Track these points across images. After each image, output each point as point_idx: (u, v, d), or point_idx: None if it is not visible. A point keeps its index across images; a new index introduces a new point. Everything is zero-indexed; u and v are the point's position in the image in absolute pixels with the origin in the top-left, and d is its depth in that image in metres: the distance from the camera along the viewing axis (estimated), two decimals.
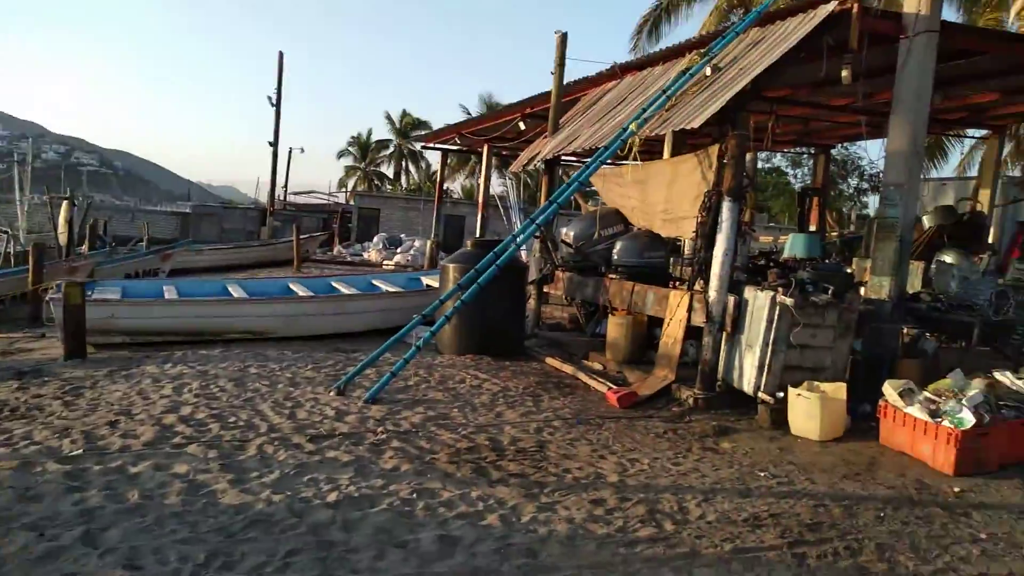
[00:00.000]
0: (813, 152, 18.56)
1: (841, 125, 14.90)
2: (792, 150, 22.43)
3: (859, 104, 11.58)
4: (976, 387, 6.01)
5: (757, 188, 30.52)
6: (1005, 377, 6.53)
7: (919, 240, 14.36)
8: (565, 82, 13.19)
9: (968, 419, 5.55)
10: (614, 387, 7.84)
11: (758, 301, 7.05)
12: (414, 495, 4.86)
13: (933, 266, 8.68)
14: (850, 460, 5.96)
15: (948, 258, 12.89)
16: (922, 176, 19.66)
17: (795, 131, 16.39)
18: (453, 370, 8.64)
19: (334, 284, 12.24)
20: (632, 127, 7.92)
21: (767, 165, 33.19)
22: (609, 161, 9.21)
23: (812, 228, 18.39)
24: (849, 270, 10.07)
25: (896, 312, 7.66)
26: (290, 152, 53.30)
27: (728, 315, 7.30)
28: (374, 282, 12.60)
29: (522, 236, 7.86)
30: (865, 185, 26.11)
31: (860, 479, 5.54)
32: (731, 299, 7.28)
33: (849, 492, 5.27)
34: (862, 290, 8.19)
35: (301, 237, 23.56)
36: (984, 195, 14.46)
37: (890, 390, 6.24)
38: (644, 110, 8.13)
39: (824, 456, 6.06)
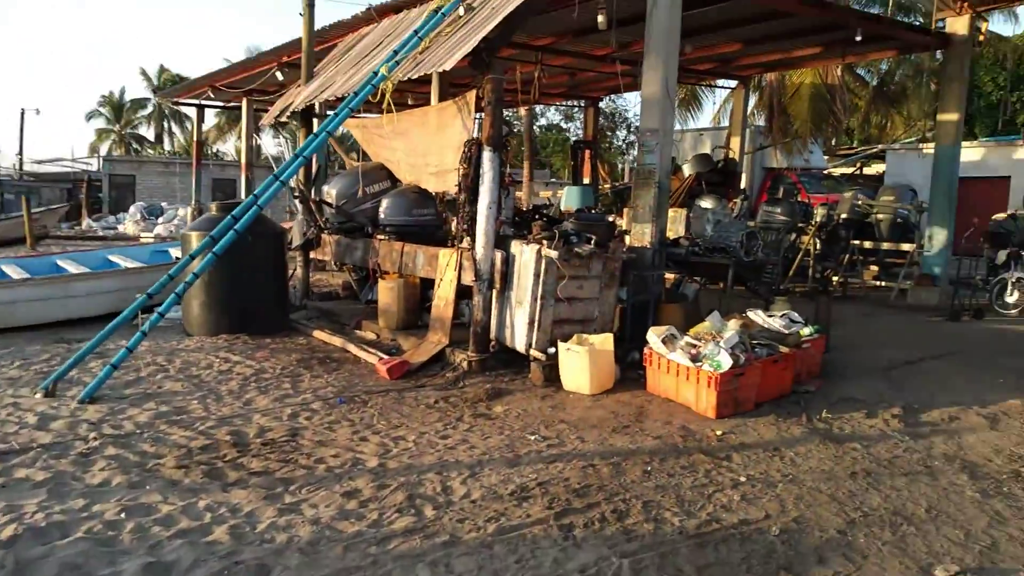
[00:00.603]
0: (583, 105, 18.93)
1: (606, 76, 15.17)
2: (563, 103, 22.84)
3: (617, 54, 11.72)
4: (732, 328, 6.11)
5: (539, 145, 31.04)
6: (757, 316, 6.76)
7: (680, 188, 15.12)
8: (321, 27, 12.16)
9: (726, 362, 5.59)
10: (385, 357, 7.25)
11: (524, 255, 6.73)
12: (123, 514, 3.96)
13: (691, 212, 8.94)
14: (620, 412, 5.84)
15: (705, 204, 13.63)
16: (682, 126, 20.93)
17: (564, 83, 16.52)
18: (200, 354, 7.57)
19: (60, 263, 10.44)
20: (383, 71, 7.22)
21: (545, 122, 33.97)
22: (380, 111, 8.49)
23: (586, 181, 18.86)
24: (616, 219, 10.17)
25: (658, 258, 7.73)
26: (23, 114, 46.28)
27: (496, 272, 6.93)
28: (111, 258, 10.93)
29: (265, 195, 6.93)
30: (633, 137, 27.32)
31: (629, 432, 5.41)
32: (498, 255, 6.92)
33: (618, 447, 5.10)
34: (627, 239, 8.21)
35: (36, 211, 20.40)
36: (735, 143, 15.46)
37: (654, 337, 6.20)
38: (396, 53, 7.45)
39: (595, 411, 5.90)
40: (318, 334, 8.51)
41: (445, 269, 7.51)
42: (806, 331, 6.54)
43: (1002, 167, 20.89)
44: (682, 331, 6.45)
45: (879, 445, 5.20)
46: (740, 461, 4.88)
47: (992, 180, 20.77)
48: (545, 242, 6.61)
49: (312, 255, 10.77)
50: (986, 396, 6.37)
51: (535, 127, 30.95)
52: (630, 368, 6.82)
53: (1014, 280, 10.97)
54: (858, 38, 10.42)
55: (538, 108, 28.68)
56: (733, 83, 15.44)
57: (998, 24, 29.11)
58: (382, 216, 8.83)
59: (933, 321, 10.39)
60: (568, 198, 16.98)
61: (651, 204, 7.90)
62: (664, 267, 7.92)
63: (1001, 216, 14.76)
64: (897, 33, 11.40)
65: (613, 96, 24.97)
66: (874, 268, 13.68)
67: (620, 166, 32.80)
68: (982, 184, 20.49)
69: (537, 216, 8.11)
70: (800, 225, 12.87)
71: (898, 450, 5.13)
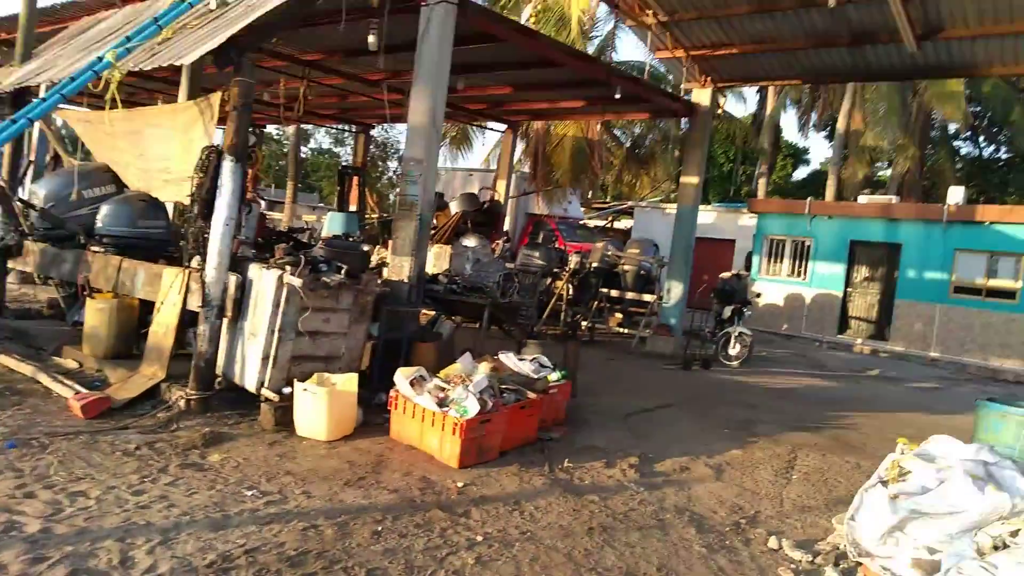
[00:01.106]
0: (355, 131, 18.34)
1: (379, 103, 14.74)
2: (335, 127, 22.05)
3: (390, 80, 11.38)
4: (482, 372, 5.85)
5: (308, 167, 29.62)
6: (509, 359, 6.59)
7: (446, 224, 15.02)
8: (51, 4, 10.52)
9: (473, 407, 5.29)
10: (82, 391, 6.07)
11: (263, 281, 6.01)
12: None
13: (454, 249, 8.73)
14: (357, 462, 5.30)
15: (469, 242, 13.61)
16: (452, 164, 21.08)
17: (335, 105, 15.86)
18: None
19: None
20: (109, 57, 6.17)
21: (317, 144, 32.67)
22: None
23: (353, 208, 18.18)
24: (381, 251, 9.70)
25: (415, 294, 7.36)
26: None
27: (228, 298, 6.12)
28: None
29: None
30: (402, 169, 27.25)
31: (364, 484, 4.88)
32: (232, 279, 6.11)
33: (349, 504, 4.55)
34: (386, 271, 7.78)
35: None
36: (501, 186, 15.72)
37: (401, 378, 5.77)
38: (129, 39, 6.43)
39: (329, 460, 5.30)
40: (3, 359, 7.03)
41: (169, 291, 6.53)
42: (554, 376, 6.48)
43: (729, 230, 23.50)
44: (435, 371, 6.10)
45: (616, 497, 5.16)
46: (479, 517, 4.55)
47: (721, 242, 23.28)
48: (288, 268, 5.94)
49: (11, 264, 9.03)
50: (713, 445, 6.69)
51: (307, 149, 29.72)
52: (377, 411, 6.31)
53: (736, 334, 12.08)
54: (617, 96, 11.00)
55: (310, 129, 27.57)
56: (503, 127, 15.77)
57: (730, 105, 33.20)
58: (99, 224, 7.59)
59: (668, 369, 11.07)
60: (331, 224, 16.19)
61: (412, 237, 7.54)
62: (421, 303, 7.56)
63: (727, 275, 16.41)
64: (652, 96, 12.25)
65: (387, 125, 24.65)
66: (619, 315, 14.47)
67: (391, 197, 32.45)
68: (713, 245, 22.87)
69: (285, 239, 7.39)
70: (555, 270, 13.25)
71: (633, 502, 5.11)
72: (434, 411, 5.42)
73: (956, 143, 35.39)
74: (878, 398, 10.47)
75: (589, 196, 33.40)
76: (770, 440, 7.05)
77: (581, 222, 23.81)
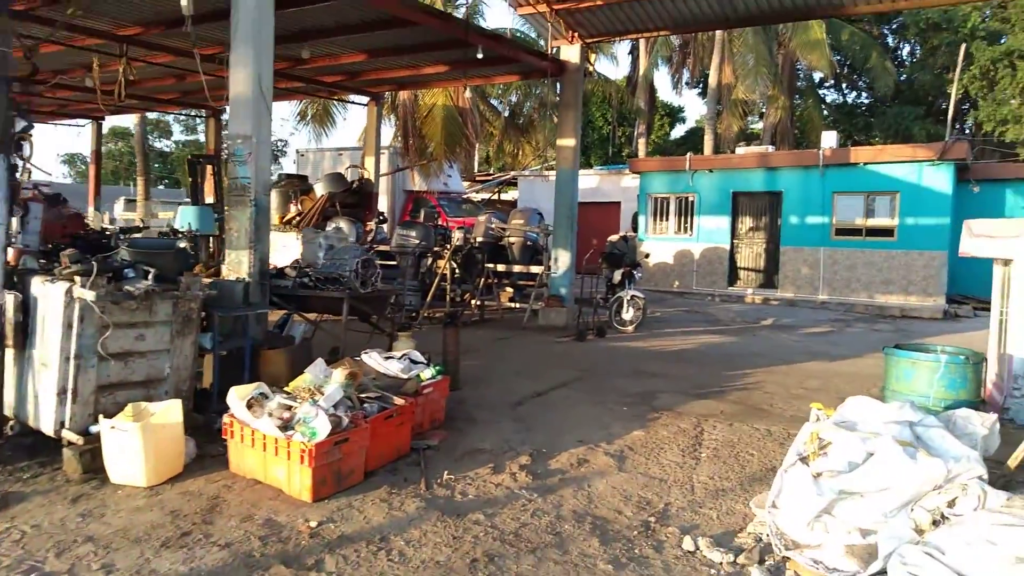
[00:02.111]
0: (204, 115, 16.67)
1: (225, 82, 13.31)
2: (181, 112, 20.13)
3: (225, 54, 10.03)
4: (336, 381, 4.89)
5: (172, 162, 27.11)
6: (372, 359, 5.66)
7: (312, 209, 13.78)
8: None
9: (323, 428, 4.34)
10: None
11: (49, 298, 4.82)
12: None
13: (303, 236, 7.64)
14: (183, 511, 4.26)
15: (339, 226, 12.46)
16: (317, 144, 19.68)
17: (174, 87, 14.24)
18: None
19: None
20: None
21: (188, 136, 30.02)
22: None
23: (210, 200, 16.59)
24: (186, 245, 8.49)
25: (258, 292, 6.28)
26: None
27: (8, 322, 4.89)
28: None
29: None
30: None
31: (188, 542, 3.87)
32: (10, 298, 4.89)
33: (163, 573, 3.54)
34: (224, 269, 6.63)
35: None
36: (370, 163, 14.57)
37: (235, 399, 4.74)
38: None
39: (147, 513, 4.24)
40: None
41: None
42: (427, 374, 5.59)
43: (613, 193, 23.20)
44: (289, 381, 5.11)
45: (505, 511, 4.36)
46: (334, 568, 3.64)
47: (606, 205, 22.95)
48: (79, 278, 4.77)
49: None
50: (612, 428, 6.01)
51: (170, 142, 27.30)
52: (220, 438, 5.25)
53: (628, 298, 11.55)
54: (479, 56, 10.12)
55: (171, 119, 25.20)
56: (365, 99, 14.58)
57: (604, 67, 32.97)
58: None
59: (562, 342, 10.40)
60: (182, 219, 14.63)
61: (247, 227, 6.43)
62: (267, 304, 6.48)
63: (615, 237, 15.95)
64: (518, 55, 11.43)
65: None
66: (509, 290, 13.73)
67: None
68: (598, 209, 22.51)
69: (82, 243, 6.14)
70: (436, 249, 12.33)
71: (526, 514, 4.32)
72: (276, 437, 4.44)
73: (822, 91, 36.63)
74: (775, 350, 10.17)
75: (473, 169, 32.55)
76: (673, 414, 6.43)
77: (465, 196, 22.89)
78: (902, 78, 33.95)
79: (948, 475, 3.72)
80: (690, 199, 18.46)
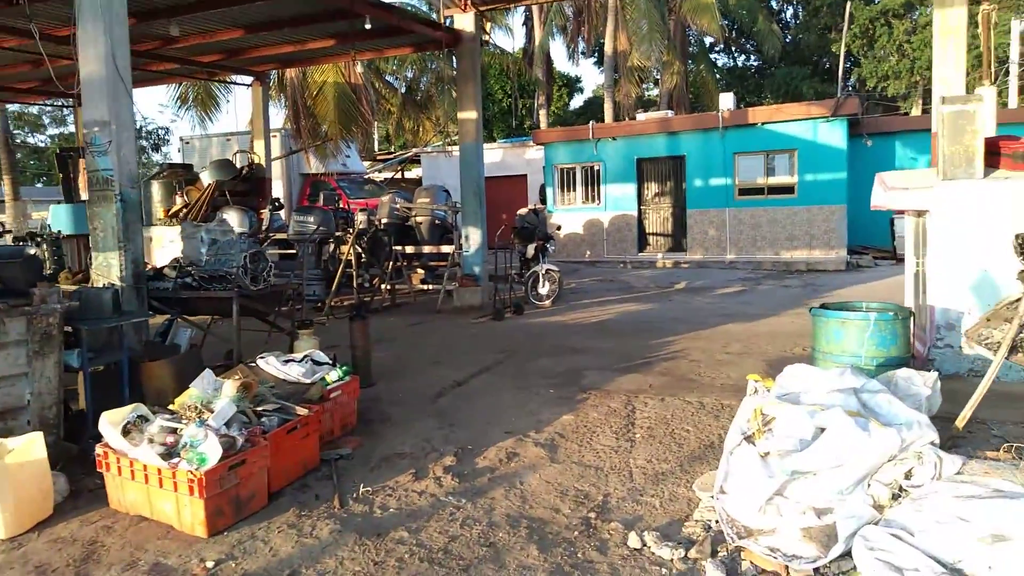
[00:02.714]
0: (70, 104, 15.23)
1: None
2: (46, 103, 18.40)
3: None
4: (227, 395, 4.30)
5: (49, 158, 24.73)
6: (269, 364, 5.07)
7: (200, 199, 12.79)
8: None
9: (213, 452, 3.77)
10: None
11: None
12: None
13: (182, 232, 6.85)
14: (53, 565, 3.62)
15: (229, 215, 11.58)
16: (203, 131, 18.39)
17: (29, 75, 12.86)
18: None
19: None
20: None
21: (60, 129, 27.48)
22: None
23: (86, 197, 15.24)
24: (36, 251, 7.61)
25: (133, 299, 5.55)
26: None
27: None
28: None
29: None
30: (144, 143, 23.53)
31: None
32: None
33: None
34: (92, 274, 5.85)
35: None
36: (259, 147, 13.64)
37: (108, 426, 4.08)
38: None
39: (5, 573, 3.57)
40: None
41: None
42: (333, 375, 5.04)
43: (519, 166, 22.84)
44: (177, 395, 4.47)
45: (432, 524, 3.91)
46: None
47: (512, 178, 22.57)
48: None
49: None
50: (541, 414, 5.63)
51: (47, 136, 25.00)
52: (95, 471, 4.56)
53: (543, 272, 11.22)
54: (368, 26, 9.45)
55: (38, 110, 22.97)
56: (249, 79, 13.57)
57: (500, 39, 32.42)
58: None
59: (479, 323, 9.98)
60: (55, 219, 13.40)
61: (115, 225, 5.67)
62: (146, 310, 5.75)
63: (524, 211, 15.60)
64: (409, 25, 10.77)
65: None
66: (421, 272, 13.19)
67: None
68: (505, 183, 22.12)
69: None
70: (339, 234, 11.64)
71: (455, 525, 3.89)
72: (159, 467, 3.83)
73: (713, 56, 37.25)
74: (693, 314, 10.06)
75: (374, 149, 31.49)
76: (602, 393, 6.12)
77: (366, 176, 22.03)
78: (788, 40, 34.92)
79: (902, 444, 3.51)
80: (595, 168, 18.29)
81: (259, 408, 4.36)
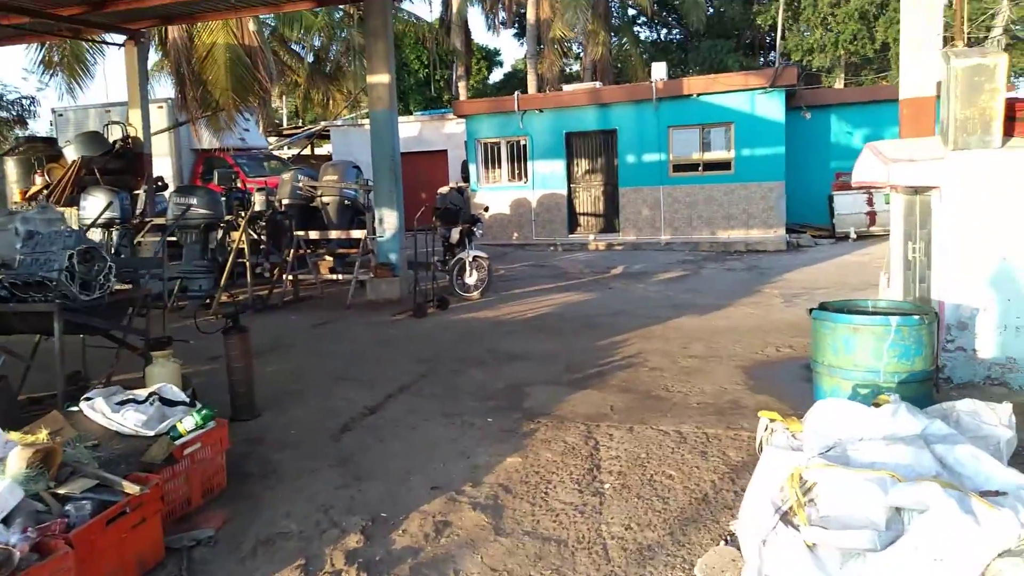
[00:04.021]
0: None
1: None
2: None
3: None
4: (12, 470, 2.85)
5: None
6: (96, 409, 3.61)
7: (64, 178, 10.88)
8: None
9: None
10: None
11: None
12: None
13: None
14: None
15: (96, 196, 9.81)
16: (72, 99, 16.12)
17: None
18: None
19: None
20: None
21: None
22: None
23: None
24: None
25: None
26: None
27: None
28: None
29: None
30: (7, 114, 20.76)
31: None
32: None
33: None
34: None
35: None
36: (136, 118, 11.75)
37: None
38: None
39: None
40: None
41: None
42: (189, 423, 3.60)
43: (438, 141, 21.33)
44: None
45: None
46: None
47: (431, 154, 21.07)
48: None
49: None
50: (478, 456, 4.35)
51: None
52: None
53: (471, 259, 9.90)
54: None
55: None
56: (121, 38, 11.61)
57: (418, 8, 30.49)
58: None
59: (398, 320, 8.61)
60: None
61: None
62: None
63: (445, 189, 14.21)
64: None
65: None
66: (329, 260, 11.65)
67: None
68: (423, 159, 20.60)
69: None
70: (229, 218, 10.00)
71: None
72: None
73: (636, 28, 36.35)
74: (638, 305, 8.95)
75: (279, 123, 29.27)
76: (553, 420, 4.88)
77: (268, 152, 20.08)
78: (711, 12, 34.34)
79: (1022, 530, 2.39)
80: (522, 143, 17.01)
81: (64, 490, 2.92)
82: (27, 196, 11.05)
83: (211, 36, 12.94)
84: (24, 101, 21.31)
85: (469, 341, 7.32)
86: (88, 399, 3.71)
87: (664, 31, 39.06)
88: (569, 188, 16.66)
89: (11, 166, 11.28)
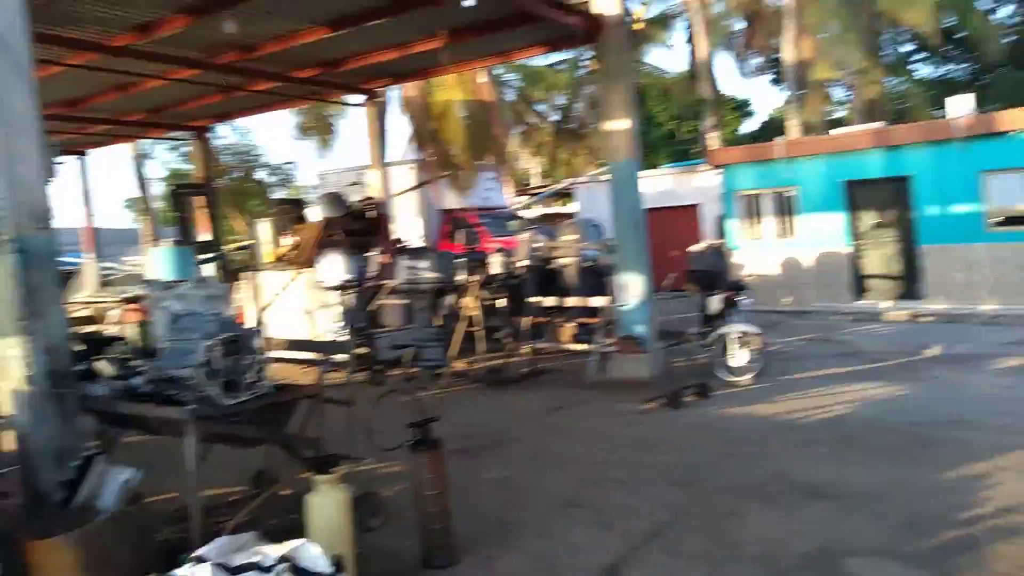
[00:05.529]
0: (187, 138, 13.99)
1: (205, 91, 10.47)
2: (167, 137, 17.46)
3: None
4: None
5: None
6: None
7: (309, 240, 10.76)
8: None
9: None
10: None
11: None
12: None
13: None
14: None
15: (330, 259, 9.42)
16: (331, 166, 16.76)
17: (122, 104, 11.40)
18: None
19: None
20: None
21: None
22: None
23: (206, 236, 13.87)
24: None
25: (50, 413, 3.13)
26: None
27: None
28: None
29: None
30: (273, 178, 22.45)
31: None
32: None
33: None
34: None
35: None
36: (376, 177, 11.47)
37: None
38: None
39: None
40: None
41: None
42: None
43: (688, 195, 19.54)
44: None
45: None
46: None
47: (680, 209, 19.33)
48: None
49: None
50: None
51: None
52: None
53: (737, 335, 7.98)
54: (469, 3, 6.84)
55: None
56: (360, 99, 11.47)
57: (662, 58, 29.21)
58: None
59: (646, 413, 6.94)
60: (155, 264, 11.83)
61: (9, 293, 3.30)
62: (70, 428, 3.30)
63: (700, 247, 12.41)
64: (533, 8, 8.03)
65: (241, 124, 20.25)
66: (570, 327, 10.31)
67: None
68: (671, 214, 18.91)
69: None
70: (463, 281, 9.09)
71: None
72: None
73: (911, 66, 31.95)
74: (983, 409, 6.40)
75: (527, 184, 29.27)
76: None
77: (513, 210, 19.60)
78: (1012, 39, 29.14)
79: None
80: (789, 194, 14.70)
81: None
82: (276, 257, 11.12)
83: (446, 93, 12.52)
84: (286, 166, 23.06)
85: (743, 455, 5.43)
86: (199, 560, 2.52)
87: (949, 65, 34.03)
88: (852, 244, 13.98)
89: (264, 227, 11.48)
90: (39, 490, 3.22)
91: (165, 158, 24.36)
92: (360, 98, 11.41)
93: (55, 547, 2.88)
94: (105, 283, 14.11)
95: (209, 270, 13.21)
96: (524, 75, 24.27)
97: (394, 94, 13.55)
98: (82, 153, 15.37)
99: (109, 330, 10.67)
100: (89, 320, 11.06)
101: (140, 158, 18.24)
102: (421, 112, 12.88)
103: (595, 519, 4.27)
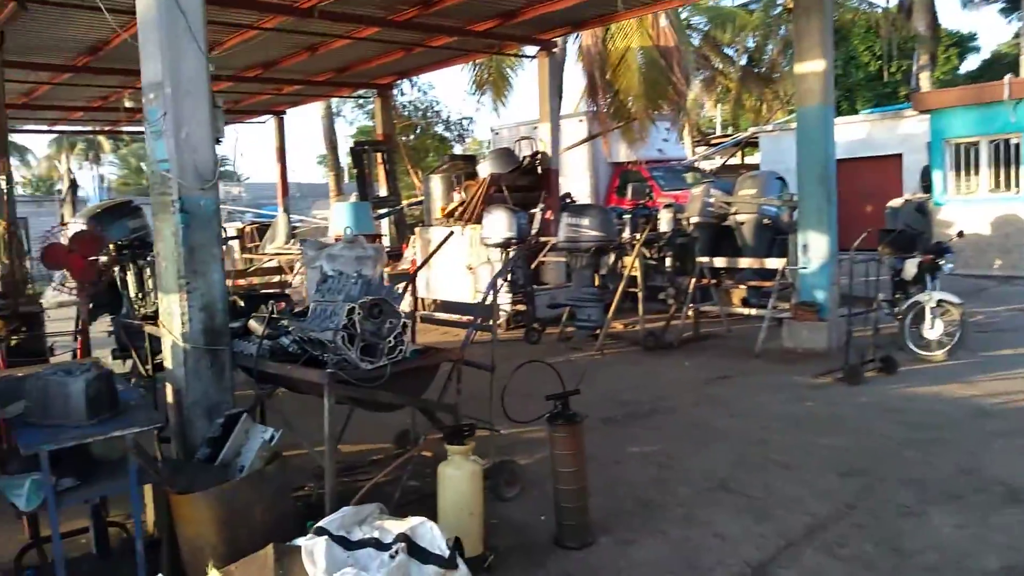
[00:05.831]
0: (368, 96, 14.57)
1: (384, 48, 10.89)
2: (351, 95, 18.19)
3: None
4: None
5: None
6: (316, 554, 2.41)
7: (474, 196, 10.87)
8: None
9: None
10: None
11: None
12: None
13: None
14: None
15: (494, 215, 9.44)
16: (500, 121, 16.79)
17: (306, 66, 12.02)
18: None
19: None
20: None
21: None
22: None
23: (383, 193, 14.52)
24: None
25: (206, 369, 3.35)
26: None
27: None
28: None
29: None
30: (450, 134, 22.77)
31: None
32: None
33: None
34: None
35: None
36: (545, 131, 11.32)
37: None
38: None
39: None
40: None
41: None
42: None
43: (890, 143, 17.65)
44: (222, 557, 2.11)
45: None
46: None
47: (880, 160, 17.51)
48: None
49: None
50: None
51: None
52: None
53: (934, 304, 7.10)
54: None
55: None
56: (534, 50, 11.28)
57: None
58: None
59: (819, 387, 6.38)
60: (337, 219, 12.53)
61: (175, 251, 3.51)
62: (224, 382, 3.51)
63: (899, 202, 11.17)
64: None
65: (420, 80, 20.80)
66: (741, 289, 9.73)
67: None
68: (869, 165, 17.20)
69: None
70: (622, 241, 8.80)
71: None
72: None
73: None
74: None
75: (710, 133, 27.79)
76: None
77: (690, 163, 18.73)
78: None
79: None
80: (1013, 142, 12.82)
81: None
82: (445, 212, 11.36)
83: (625, 40, 12.00)
84: (464, 121, 23.36)
85: (928, 444, 4.80)
86: (321, 531, 2.57)
87: None
88: None
89: (435, 183, 11.74)
90: (189, 444, 3.46)
91: (352, 116, 25.60)
92: (535, 49, 11.24)
93: (195, 502, 3.06)
94: (293, 235, 15.17)
95: (384, 226, 13.85)
96: (711, 17, 22.87)
97: (570, 47, 13.23)
98: (282, 112, 16.54)
99: (295, 280, 11.53)
100: (277, 270, 11.97)
101: (330, 116, 19.29)
102: (597, 61, 12.45)
103: (748, 506, 3.95)
